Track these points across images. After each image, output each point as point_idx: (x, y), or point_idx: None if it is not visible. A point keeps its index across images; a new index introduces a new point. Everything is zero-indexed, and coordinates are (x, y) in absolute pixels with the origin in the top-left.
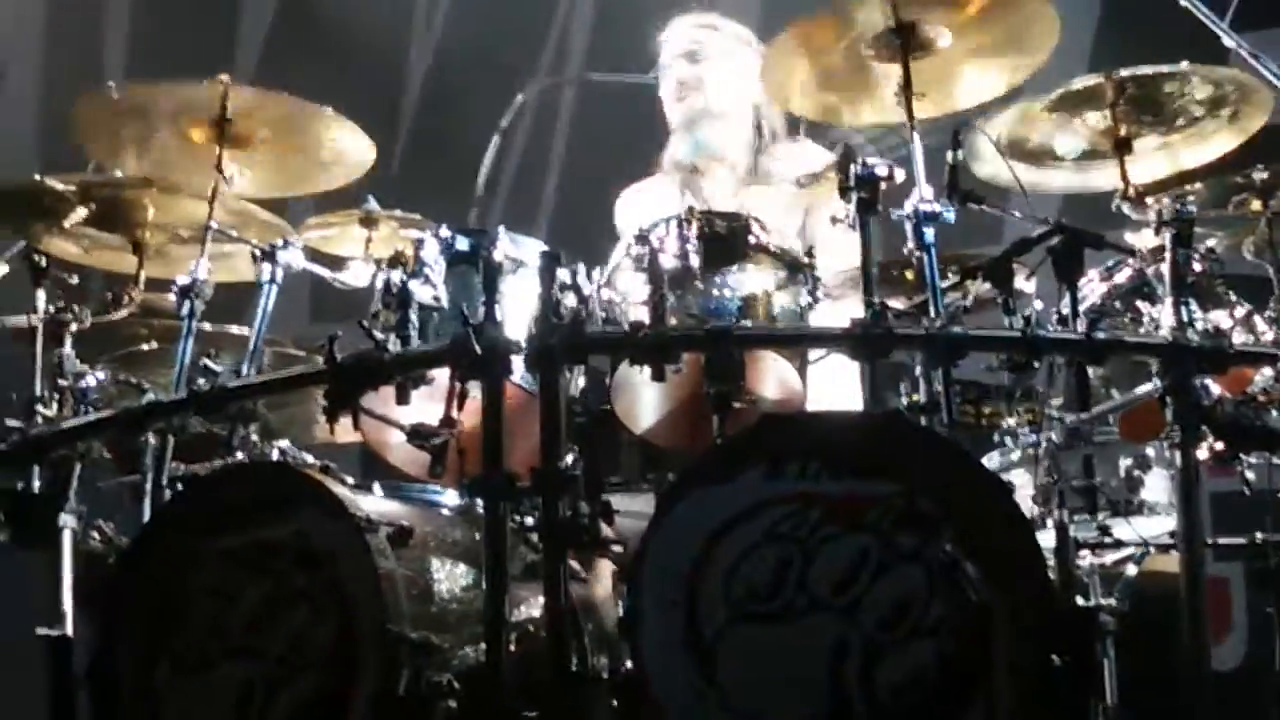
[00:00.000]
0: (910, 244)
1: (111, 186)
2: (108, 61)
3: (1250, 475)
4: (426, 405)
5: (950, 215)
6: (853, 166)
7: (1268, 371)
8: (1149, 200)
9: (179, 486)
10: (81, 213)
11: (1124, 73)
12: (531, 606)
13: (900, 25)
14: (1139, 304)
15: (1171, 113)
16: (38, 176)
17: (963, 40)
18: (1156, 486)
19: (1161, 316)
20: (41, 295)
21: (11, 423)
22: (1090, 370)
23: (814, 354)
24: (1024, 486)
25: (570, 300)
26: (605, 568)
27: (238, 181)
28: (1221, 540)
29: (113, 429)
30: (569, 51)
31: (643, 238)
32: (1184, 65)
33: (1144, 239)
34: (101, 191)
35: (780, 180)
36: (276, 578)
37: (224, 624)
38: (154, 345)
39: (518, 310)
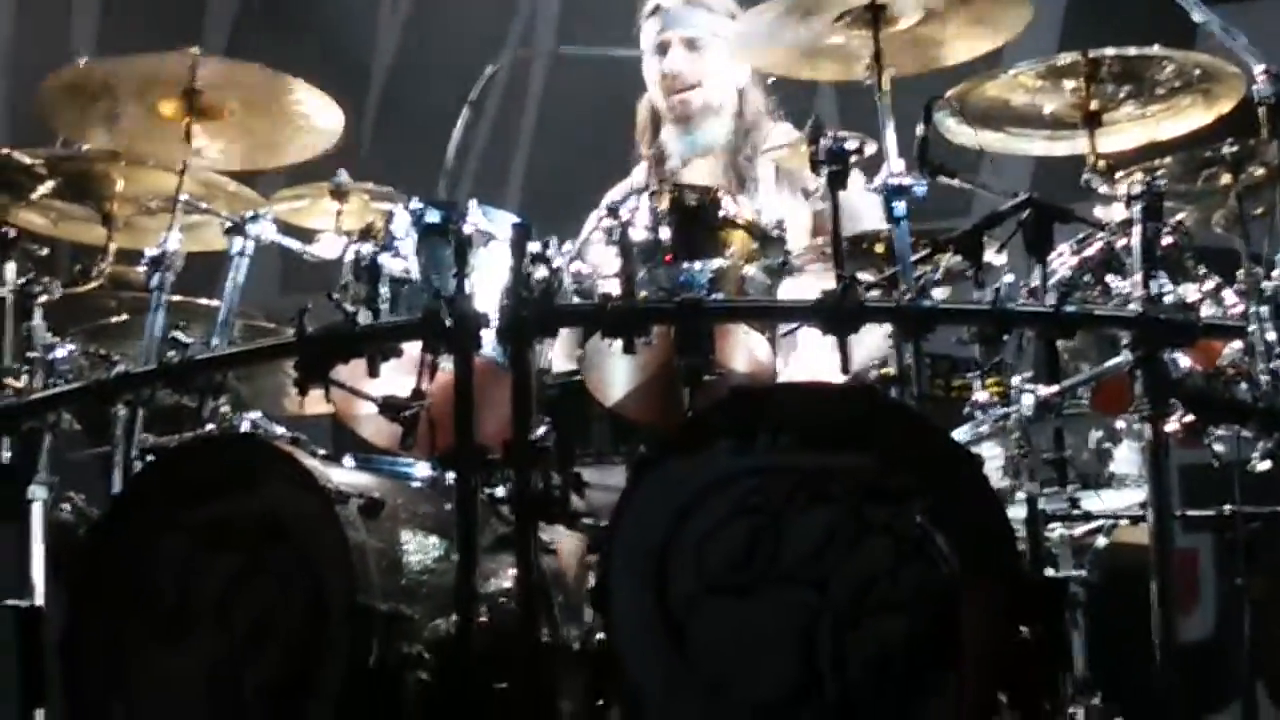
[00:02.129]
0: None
1: (80, 159)
2: (76, 35)
3: (1219, 448)
4: (397, 377)
5: (921, 189)
6: (822, 140)
7: (1236, 344)
8: (1118, 174)
9: (149, 458)
10: (50, 185)
11: (1095, 53)
12: (502, 578)
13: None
14: (1109, 277)
15: (1146, 87)
16: (6, 150)
17: (934, 15)
18: (1126, 459)
19: (1131, 290)
20: (11, 267)
21: None
22: (1060, 343)
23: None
24: (994, 459)
25: (541, 273)
26: (576, 540)
27: (208, 154)
28: (1190, 512)
29: (82, 400)
30: (539, 22)
31: (613, 210)
32: (1155, 48)
33: (1114, 212)
34: (70, 164)
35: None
36: (246, 550)
37: (194, 596)
38: (124, 317)
39: (489, 283)
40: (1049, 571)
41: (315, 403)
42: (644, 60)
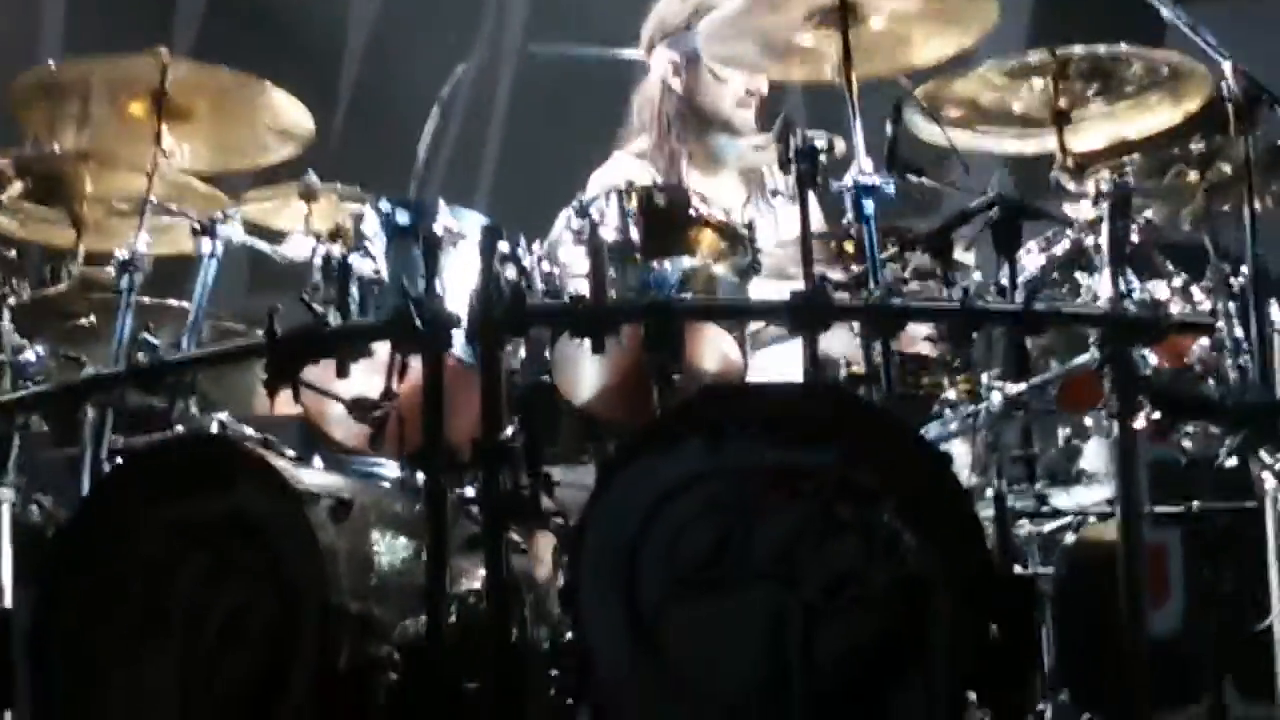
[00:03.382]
0: (850, 216)
1: (49, 161)
2: (45, 36)
3: (1188, 444)
4: (367, 378)
5: (890, 188)
6: (791, 139)
7: (1205, 341)
8: (1087, 172)
9: (118, 460)
10: (18, 187)
11: (1063, 51)
12: (472, 578)
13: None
14: (1077, 275)
15: (1115, 84)
16: None
17: (901, 17)
18: (1095, 455)
19: (1099, 287)
20: None
21: None
22: (1029, 341)
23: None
24: (962, 457)
25: (510, 273)
26: (546, 540)
27: (177, 155)
28: (1159, 508)
29: (52, 402)
30: (508, 21)
31: (583, 210)
32: (1123, 47)
33: (1082, 210)
34: (38, 166)
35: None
36: (216, 551)
37: (163, 597)
38: (93, 319)
39: (458, 283)
40: (1018, 568)
41: (285, 403)
42: (691, 61)
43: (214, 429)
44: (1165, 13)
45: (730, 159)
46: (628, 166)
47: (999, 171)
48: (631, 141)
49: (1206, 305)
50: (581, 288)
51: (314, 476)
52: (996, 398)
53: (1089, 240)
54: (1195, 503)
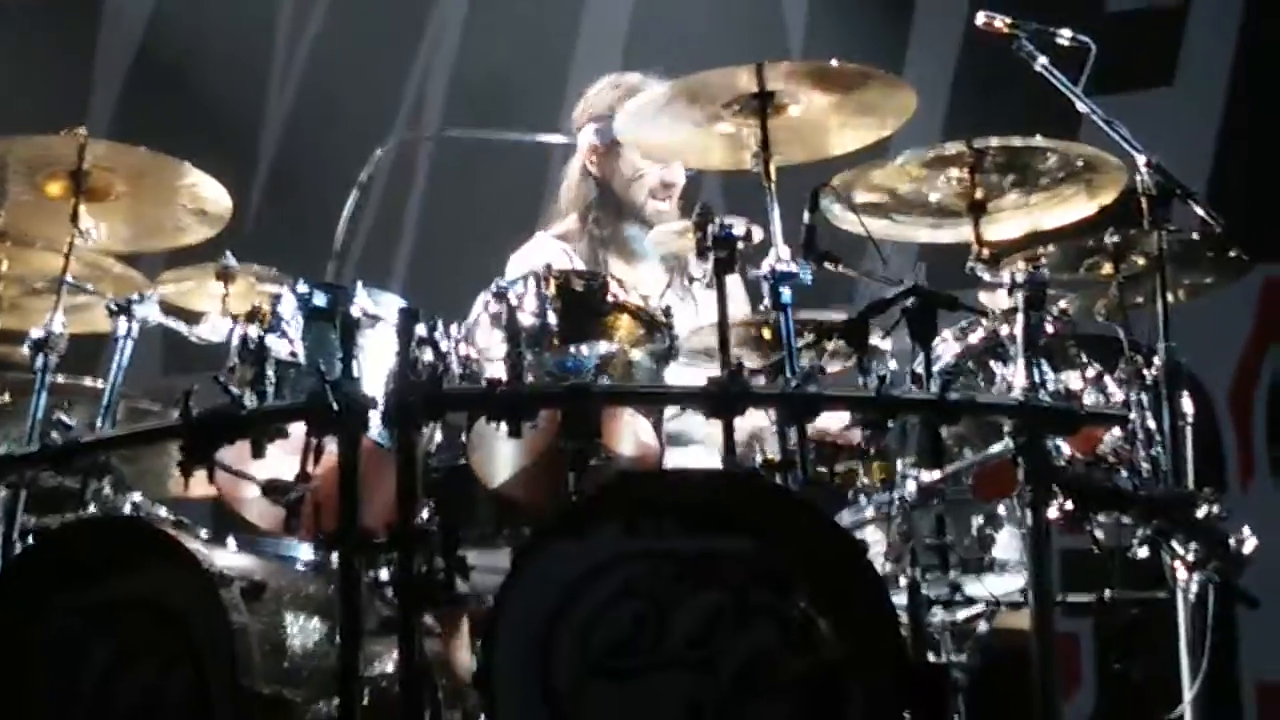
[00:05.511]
0: (767, 303)
1: None
2: None
3: (1099, 534)
4: (282, 459)
5: (807, 275)
6: (710, 226)
7: (1117, 432)
8: (1003, 262)
9: (30, 540)
10: None
11: (979, 143)
12: (385, 662)
13: (761, 91)
14: (992, 364)
15: (1031, 176)
16: None
17: (820, 107)
18: (1008, 544)
19: (1014, 377)
20: None
21: None
22: (944, 429)
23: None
24: (877, 544)
25: (428, 356)
26: (462, 623)
27: (94, 235)
28: (1071, 597)
29: None
30: (426, 105)
31: (501, 295)
32: (1038, 139)
33: (998, 300)
34: None
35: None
36: (127, 633)
37: (72, 682)
38: (6, 398)
39: (375, 365)
40: (931, 657)
41: (199, 485)
42: (610, 148)
43: (127, 510)
44: (1081, 107)
45: (643, 249)
46: (548, 248)
47: (917, 263)
48: (554, 223)
49: (1119, 396)
50: (498, 371)
51: (227, 558)
52: (911, 485)
53: (1004, 330)
54: (1107, 592)
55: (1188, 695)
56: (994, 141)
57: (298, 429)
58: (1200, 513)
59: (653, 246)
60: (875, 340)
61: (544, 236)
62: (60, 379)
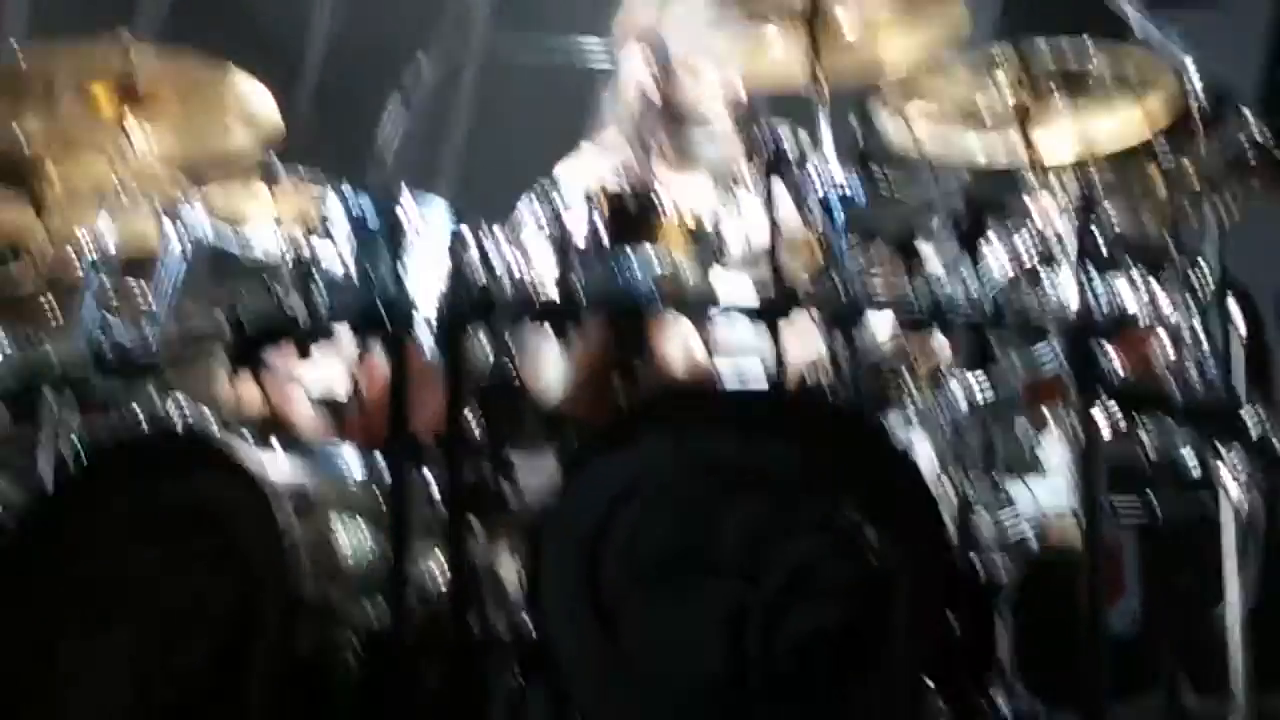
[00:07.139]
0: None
1: (12, 145)
2: (7, 23)
3: (1147, 442)
4: (330, 366)
5: (857, 186)
6: (756, 128)
7: (1167, 343)
8: (1052, 169)
9: (78, 449)
10: None
11: (1028, 48)
12: (434, 570)
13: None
14: (1041, 271)
15: (1080, 83)
16: None
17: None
18: (1055, 451)
19: (1063, 284)
20: None
21: None
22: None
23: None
24: (924, 450)
25: (477, 263)
26: (510, 532)
27: (142, 142)
28: (1117, 504)
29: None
30: (473, 9)
31: (550, 205)
32: (1089, 44)
33: (1046, 205)
34: (2, 151)
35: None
36: (176, 539)
37: (121, 585)
38: (53, 301)
39: (423, 271)
40: (977, 563)
41: (247, 390)
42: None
43: (176, 417)
44: (1132, 14)
45: (703, 152)
46: (596, 161)
47: (962, 172)
48: (601, 133)
49: (1169, 308)
50: (547, 279)
51: (275, 465)
52: (958, 391)
53: (1051, 234)
54: (1154, 499)
55: (1232, 600)
56: (1043, 45)
57: (346, 335)
58: (1250, 424)
59: (710, 148)
60: (921, 245)
61: (590, 147)
62: (109, 285)
